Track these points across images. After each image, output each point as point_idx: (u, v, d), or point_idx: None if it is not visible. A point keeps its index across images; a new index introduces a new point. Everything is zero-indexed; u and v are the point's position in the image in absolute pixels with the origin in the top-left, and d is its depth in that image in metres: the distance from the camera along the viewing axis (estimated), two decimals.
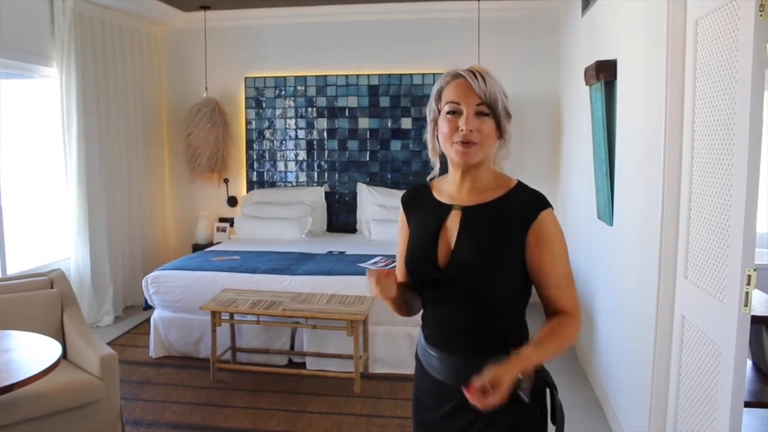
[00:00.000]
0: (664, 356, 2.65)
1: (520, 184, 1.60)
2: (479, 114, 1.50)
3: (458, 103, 1.50)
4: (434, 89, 1.57)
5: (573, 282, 1.57)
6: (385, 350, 4.26)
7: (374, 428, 3.47)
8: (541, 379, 1.54)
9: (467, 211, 1.57)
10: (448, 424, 1.59)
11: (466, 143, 1.49)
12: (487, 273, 1.50)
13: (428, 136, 1.62)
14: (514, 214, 1.52)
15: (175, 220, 6.70)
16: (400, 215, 1.74)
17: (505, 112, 1.52)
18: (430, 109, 1.59)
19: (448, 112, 1.52)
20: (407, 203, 1.73)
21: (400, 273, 1.71)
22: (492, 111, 1.50)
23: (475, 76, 1.49)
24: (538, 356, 1.45)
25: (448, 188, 1.63)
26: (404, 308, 1.71)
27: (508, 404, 1.41)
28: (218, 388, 4.01)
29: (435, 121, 1.58)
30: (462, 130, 1.49)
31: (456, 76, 1.53)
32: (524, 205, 1.53)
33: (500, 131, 1.53)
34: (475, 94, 1.49)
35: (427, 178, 1.70)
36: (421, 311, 1.70)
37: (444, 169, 1.65)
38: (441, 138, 1.55)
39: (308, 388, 3.99)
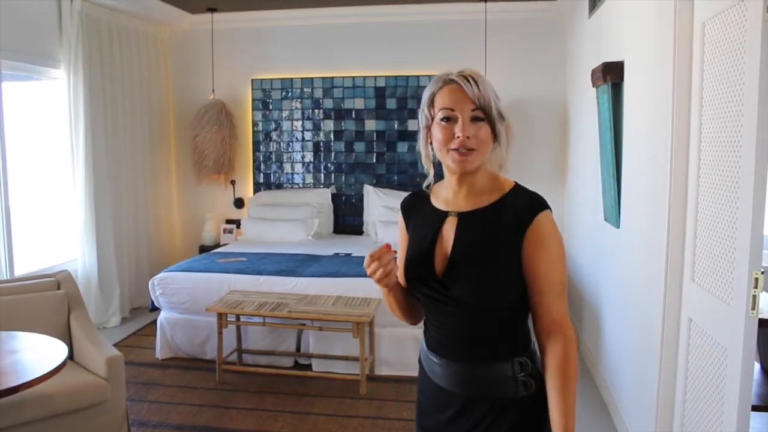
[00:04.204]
0: (670, 359, 2.63)
1: (517, 186, 1.56)
2: (474, 119, 1.46)
3: (452, 109, 1.46)
4: (426, 95, 1.52)
5: (565, 291, 1.52)
6: (391, 352, 4.25)
7: (380, 430, 3.47)
8: (539, 383, 1.52)
9: (463, 217, 1.54)
10: (450, 429, 1.58)
11: (463, 151, 1.46)
12: (485, 281, 1.47)
13: (421, 143, 1.57)
14: (510, 218, 1.48)
15: (181, 222, 6.72)
16: (400, 221, 1.71)
17: (498, 116, 1.49)
18: (422, 116, 1.54)
19: (442, 119, 1.47)
20: (406, 209, 1.70)
21: (401, 279, 1.68)
22: (487, 115, 1.47)
23: (468, 81, 1.45)
24: (570, 416, 1.40)
25: (445, 194, 1.60)
26: (408, 313, 1.69)
27: (509, 408, 1.39)
28: (224, 389, 4.02)
29: (428, 128, 1.53)
30: (458, 137, 1.45)
31: (448, 81, 1.48)
32: (521, 208, 1.49)
33: (495, 135, 1.49)
34: (469, 100, 1.45)
35: (423, 186, 1.66)
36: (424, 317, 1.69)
37: (440, 176, 1.61)
38: (435, 145, 1.51)
39: (314, 390, 3.99)
